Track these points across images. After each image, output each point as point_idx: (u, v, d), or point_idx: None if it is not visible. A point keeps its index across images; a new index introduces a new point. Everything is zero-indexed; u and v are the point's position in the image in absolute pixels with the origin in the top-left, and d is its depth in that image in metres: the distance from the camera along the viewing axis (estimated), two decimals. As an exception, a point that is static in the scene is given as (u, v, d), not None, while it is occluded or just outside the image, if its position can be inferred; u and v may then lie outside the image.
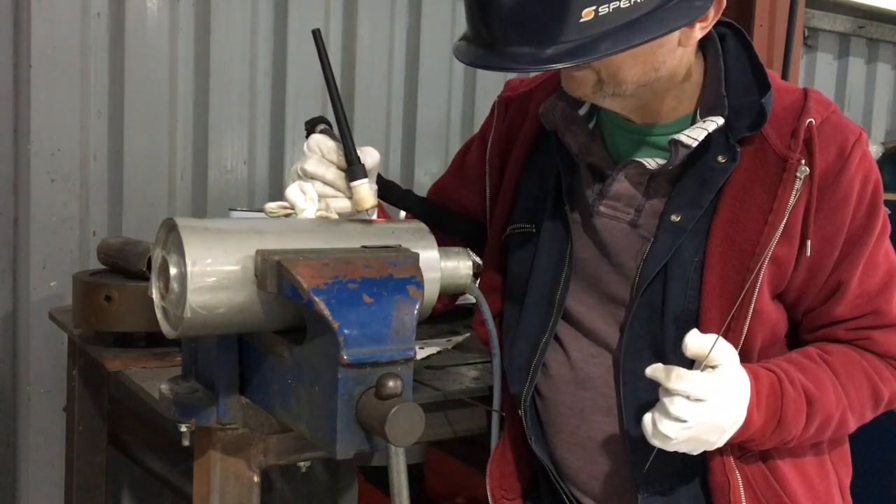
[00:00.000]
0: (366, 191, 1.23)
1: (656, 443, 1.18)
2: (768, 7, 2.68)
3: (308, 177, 1.24)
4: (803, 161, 1.24)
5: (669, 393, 1.15)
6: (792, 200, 1.24)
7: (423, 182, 2.88)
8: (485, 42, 1.16)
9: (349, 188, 1.24)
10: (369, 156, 1.27)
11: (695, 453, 1.22)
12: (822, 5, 3.70)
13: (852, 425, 1.34)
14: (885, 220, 1.33)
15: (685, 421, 1.14)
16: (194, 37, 2.49)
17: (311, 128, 1.30)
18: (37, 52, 2.26)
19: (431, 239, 1.20)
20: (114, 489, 2.50)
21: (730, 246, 1.26)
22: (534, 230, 1.42)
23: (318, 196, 1.23)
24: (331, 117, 1.28)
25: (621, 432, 1.34)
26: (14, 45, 2.26)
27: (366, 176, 1.23)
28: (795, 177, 1.24)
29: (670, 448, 1.19)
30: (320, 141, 1.24)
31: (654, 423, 1.17)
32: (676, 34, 1.20)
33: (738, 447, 1.29)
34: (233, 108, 2.56)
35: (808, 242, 1.25)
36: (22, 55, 2.26)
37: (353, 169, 1.23)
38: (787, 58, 2.70)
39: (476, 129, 1.63)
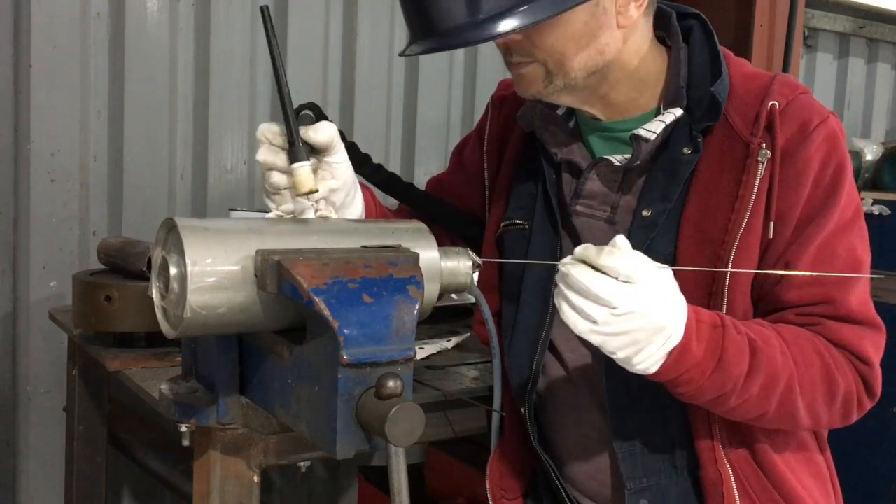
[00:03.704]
0: (304, 174, 1.16)
1: (581, 328, 1.09)
2: (768, 7, 2.68)
3: (264, 168, 1.19)
4: (764, 144, 1.23)
5: (597, 271, 1.08)
6: (756, 185, 1.23)
7: (422, 182, 2.87)
8: (426, 34, 1.20)
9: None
10: (322, 132, 1.19)
11: (627, 361, 1.13)
12: (822, 5, 3.70)
13: (801, 407, 1.23)
14: (855, 212, 1.28)
15: (614, 307, 1.07)
16: (194, 37, 2.49)
17: (296, 114, 1.29)
18: (37, 52, 2.26)
19: (431, 239, 1.20)
20: (114, 489, 2.50)
21: (700, 237, 1.26)
22: (526, 226, 1.43)
23: (273, 189, 1.19)
24: (331, 115, 1.28)
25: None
26: (14, 45, 2.26)
27: (306, 158, 1.17)
28: (758, 161, 1.23)
29: (595, 342, 1.10)
30: (265, 129, 1.19)
31: (576, 308, 1.09)
32: (613, 14, 1.22)
33: (727, 432, 1.28)
34: (233, 108, 2.56)
35: (771, 224, 1.23)
36: (22, 55, 2.26)
37: (292, 151, 1.17)
38: (787, 58, 2.70)
39: (475, 130, 1.64)
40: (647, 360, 1.12)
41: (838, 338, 1.26)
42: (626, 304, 1.07)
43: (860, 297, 1.27)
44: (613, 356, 1.13)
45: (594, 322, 1.08)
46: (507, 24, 1.14)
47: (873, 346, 1.28)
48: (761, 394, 1.20)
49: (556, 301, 1.12)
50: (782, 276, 1.25)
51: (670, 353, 1.13)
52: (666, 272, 1.13)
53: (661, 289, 1.11)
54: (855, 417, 1.30)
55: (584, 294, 1.08)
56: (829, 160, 1.25)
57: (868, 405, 1.29)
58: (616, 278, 1.07)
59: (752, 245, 1.24)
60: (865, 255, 1.29)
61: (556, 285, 1.12)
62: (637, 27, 1.27)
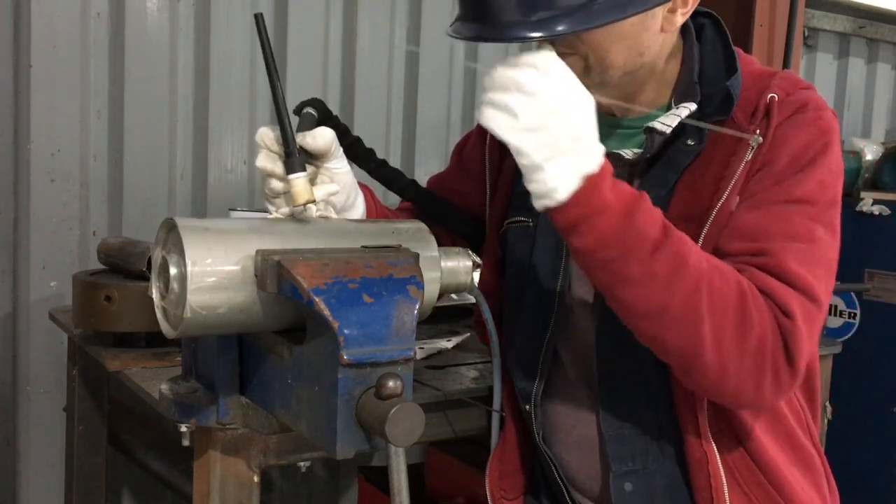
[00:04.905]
0: (300, 185, 1.15)
1: (500, 124, 1.08)
2: (768, 7, 2.68)
3: (262, 174, 1.19)
4: (759, 131, 1.23)
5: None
6: (741, 167, 1.23)
7: (423, 182, 2.88)
8: (477, 17, 1.17)
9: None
10: (319, 139, 1.19)
11: (539, 169, 1.09)
12: (822, 5, 3.70)
13: (707, 323, 1.11)
14: (829, 204, 1.22)
15: (533, 92, 1.06)
16: (194, 37, 2.49)
17: (297, 111, 1.28)
18: (37, 52, 2.26)
19: (431, 239, 1.20)
20: (114, 489, 2.50)
21: (687, 215, 1.25)
22: (531, 223, 1.42)
23: (273, 195, 1.19)
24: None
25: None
26: (14, 45, 2.27)
27: (303, 169, 1.16)
28: (748, 145, 1.23)
29: (514, 142, 1.08)
30: (263, 134, 1.18)
31: (496, 104, 1.08)
32: (659, 19, 1.22)
33: (713, 416, 1.26)
34: (233, 108, 2.56)
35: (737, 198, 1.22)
36: (22, 55, 2.26)
37: (288, 162, 1.16)
38: (787, 58, 2.70)
39: (476, 129, 1.64)
40: (559, 175, 1.08)
41: (763, 284, 1.15)
42: (543, 91, 1.07)
43: (805, 265, 1.17)
44: (530, 160, 1.08)
45: (514, 116, 1.07)
46: (560, 26, 1.13)
47: (801, 309, 1.15)
48: (668, 276, 1.11)
49: (478, 112, 1.10)
50: (725, 230, 1.21)
51: (583, 180, 1.08)
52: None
53: (581, 97, 1.10)
54: (768, 382, 1.15)
55: (504, 86, 1.08)
56: (814, 143, 1.22)
57: (785, 376, 1.15)
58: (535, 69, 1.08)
59: (723, 220, 1.22)
60: (830, 248, 1.22)
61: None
62: (674, 32, 1.28)
